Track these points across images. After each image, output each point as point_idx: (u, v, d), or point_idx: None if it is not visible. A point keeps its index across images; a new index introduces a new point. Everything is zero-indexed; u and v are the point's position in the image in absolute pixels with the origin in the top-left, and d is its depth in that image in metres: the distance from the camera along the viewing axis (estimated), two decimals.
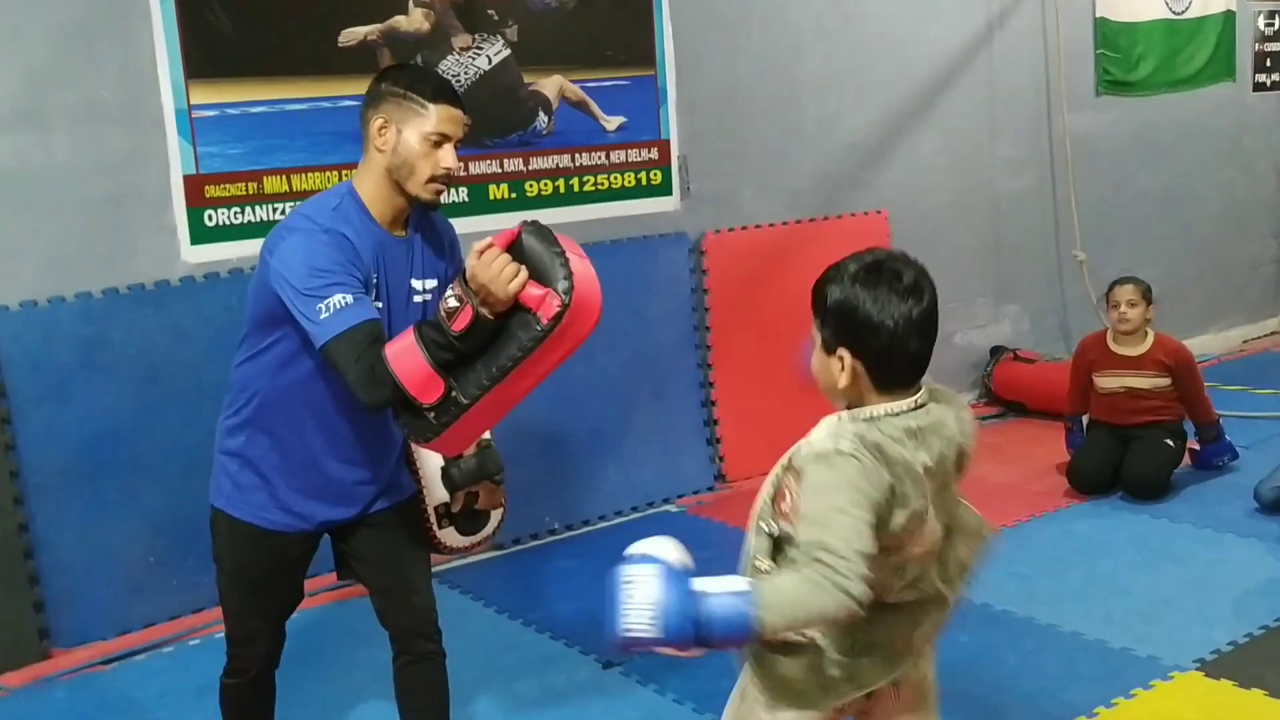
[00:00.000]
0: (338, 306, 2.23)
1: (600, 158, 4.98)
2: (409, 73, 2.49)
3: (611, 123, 4.99)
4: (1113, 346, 5.07)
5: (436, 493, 2.67)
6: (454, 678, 2.70)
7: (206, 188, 4.12)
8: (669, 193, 5.19)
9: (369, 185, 2.43)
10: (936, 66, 6.04)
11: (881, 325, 1.82)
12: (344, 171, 4.35)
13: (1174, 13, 7.01)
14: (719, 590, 1.75)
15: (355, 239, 2.35)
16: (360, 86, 4.47)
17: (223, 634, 3.94)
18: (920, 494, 1.84)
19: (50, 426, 3.87)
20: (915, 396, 1.89)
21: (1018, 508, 4.78)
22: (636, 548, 1.83)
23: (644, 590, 1.74)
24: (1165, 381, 4.94)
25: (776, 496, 1.92)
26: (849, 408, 1.90)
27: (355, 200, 2.42)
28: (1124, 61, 6.82)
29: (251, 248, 4.19)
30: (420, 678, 2.65)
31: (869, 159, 5.84)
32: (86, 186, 3.93)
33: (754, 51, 5.39)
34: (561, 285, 2.11)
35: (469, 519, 2.71)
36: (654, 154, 5.13)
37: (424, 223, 2.55)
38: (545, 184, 4.82)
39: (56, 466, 3.89)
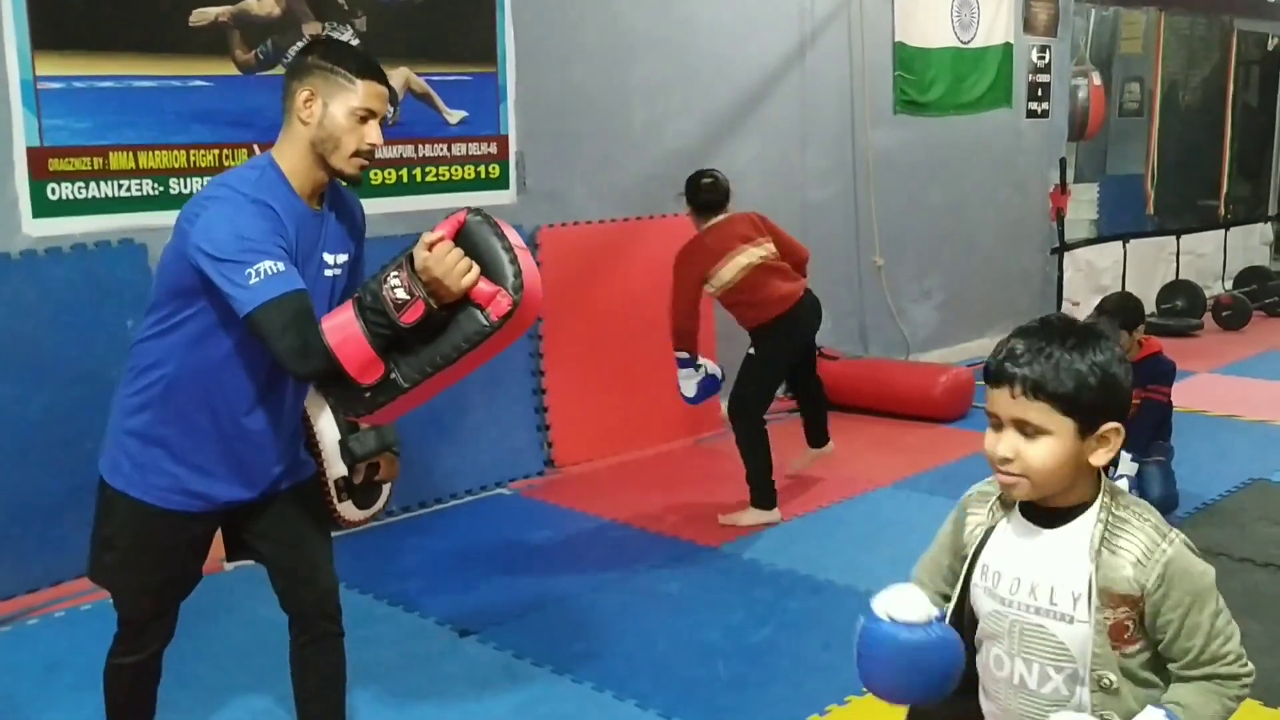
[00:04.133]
0: (268, 273, 2.20)
1: (442, 150, 5.11)
2: (336, 47, 2.48)
3: (454, 116, 5.13)
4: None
5: (336, 467, 2.65)
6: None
7: (50, 161, 4.06)
8: (506, 187, 5.37)
9: (291, 157, 2.40)
10: (754, 80, 6.42)
11: (1130, 389, 1.73)
12: (191, 151, 4.37)
13: (961, 42, 7.63)
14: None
15: (279, 209, 2.33)
16: (209, 67, 4.49)
17: (62, 613, 3.95)
18: None
19: None
20: None
21: (827, 491, 5.18)
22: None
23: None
24: (772, 247, 4.83)
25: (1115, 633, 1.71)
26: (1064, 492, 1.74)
27: (277, 171, 2.39)
28: (918, 84, 7.38)
29: (96, 223, 4.18)
30: (320, 657, 2.65)
31: (692, 163, 6.12)
32: None
33: (589, 56, 5.63)
34: (511, 283, 2.15)
35: (365, 492, 2.71)
36: (493, 148, 5.30)
37: (337, 198, 2.55)
38: (389, 173, 4.93)
39: None
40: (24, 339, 4.00)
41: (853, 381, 6.49)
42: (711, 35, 6.14)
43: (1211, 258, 10.36)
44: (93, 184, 4.15)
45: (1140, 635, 1.71)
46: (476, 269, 2.16)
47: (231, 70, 4.43)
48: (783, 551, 4.45)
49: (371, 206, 4.12)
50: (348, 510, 2.71)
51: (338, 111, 2.36)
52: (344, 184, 2.51)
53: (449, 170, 5.14)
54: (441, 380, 2.25)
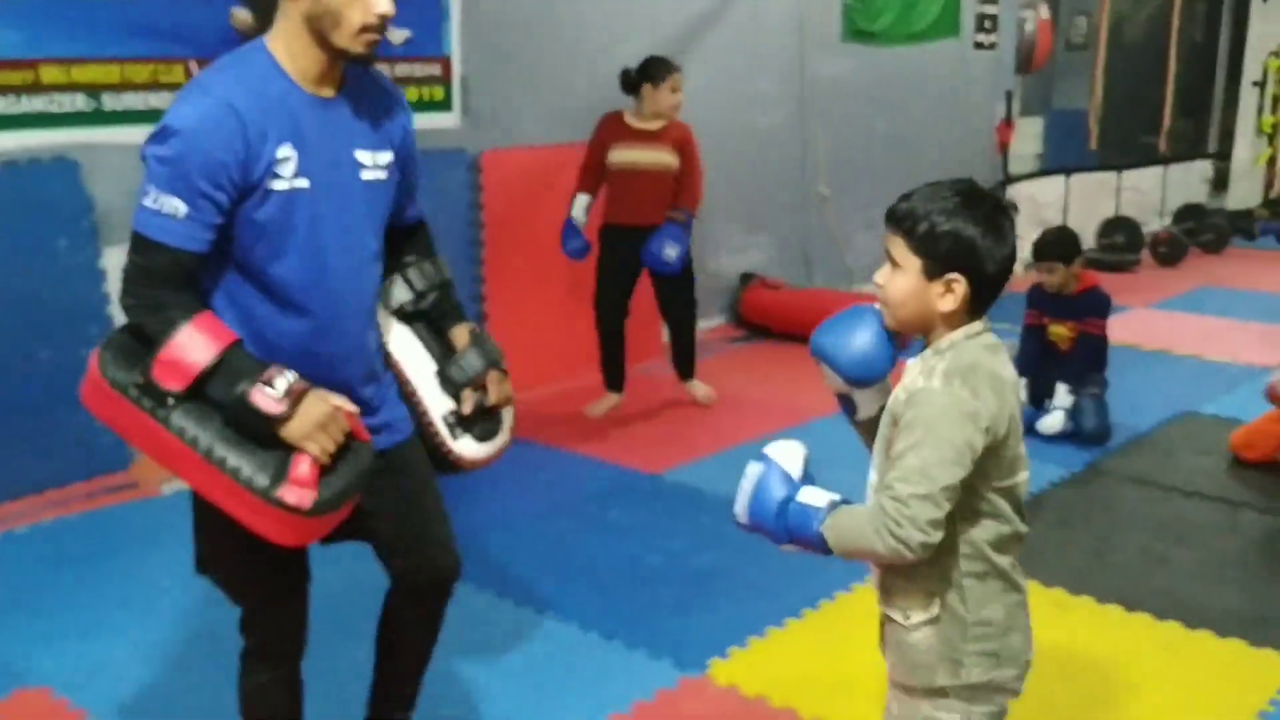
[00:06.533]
0: (165, 211, 1.94)
1: (384, 70, 5.01)
2: None
3: (398, 36, 5.02)
4: (630, 121, 5.14)
5: (439, 402, 2.37)
6: (325, 603, 2.51)
7: None
8: (450, 109, 5.28)
9: (285, 38, 2.03)
10: (705, 2, 6.34)
11: (999, 255, 1.85)
12: (126, 66, 4.24)
13: None
14: (804, 500, 1.90)
15: (250, 107, 1.97)
16: None
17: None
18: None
19: None
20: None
21: (771, 419, 5.21)
22: (768, 449, 1.97)
23: (751, 486, 1.93)
24: (673, 159, 5.06)
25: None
26: (928, 334, 1.92)
27: (267, 58, 2.03)
28: (867, 12, 7.33)
29: (27, 139, 4.07)
30: (423, 625, 2.47)
31: None
32: None
33: None
34: (325, 494, 2.02)
35: (483, 423, 2.42)
36: (436, 70, 5.20)
37: (368, 84, 2.16)
38: None
39: None
40: None
41: (796, 311, 6.52)
42: None
43: (1151, 194, 10.48)
44: (24, 98, 4.03)
45: None
46: (326, 448, 2.03)
47: None
48: (725, 478, 4.40)
49: None
50: (466, 448, 2.40)
51: None
52: (361, 66, 2.13)
53: None
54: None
